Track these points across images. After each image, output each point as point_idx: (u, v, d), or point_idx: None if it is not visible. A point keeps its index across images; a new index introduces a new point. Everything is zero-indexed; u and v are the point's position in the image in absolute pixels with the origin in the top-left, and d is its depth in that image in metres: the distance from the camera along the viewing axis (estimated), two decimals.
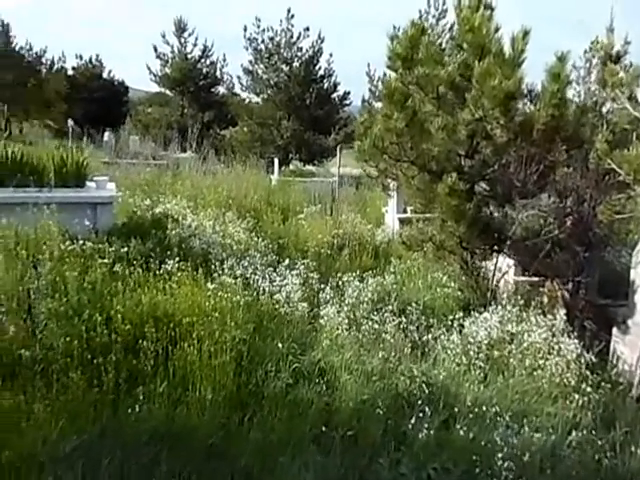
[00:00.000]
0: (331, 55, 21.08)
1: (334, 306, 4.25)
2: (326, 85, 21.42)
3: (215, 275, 4.40)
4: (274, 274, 4.73)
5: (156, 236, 5.09)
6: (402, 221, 7.81)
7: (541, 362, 3.53)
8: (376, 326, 4.00)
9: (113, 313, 3.41)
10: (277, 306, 4.19)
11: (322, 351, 3.68)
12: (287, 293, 4.38)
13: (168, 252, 4.75)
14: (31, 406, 2.75)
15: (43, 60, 26.50)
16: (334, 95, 21.89)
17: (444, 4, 16.94)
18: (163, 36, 23.35)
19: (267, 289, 4.43)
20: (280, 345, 3.55)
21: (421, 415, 2.82)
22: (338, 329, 3.92)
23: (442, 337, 3.95)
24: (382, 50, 5.14)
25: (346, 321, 4.03)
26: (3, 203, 4.60)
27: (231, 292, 3.98)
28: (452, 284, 4.96)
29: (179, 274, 4.15)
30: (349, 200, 9.51)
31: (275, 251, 5.78)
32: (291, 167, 15.77)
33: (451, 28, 15.69)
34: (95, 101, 25.84)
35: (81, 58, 27.89)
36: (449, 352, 3.69)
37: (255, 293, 4.30)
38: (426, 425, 2.70)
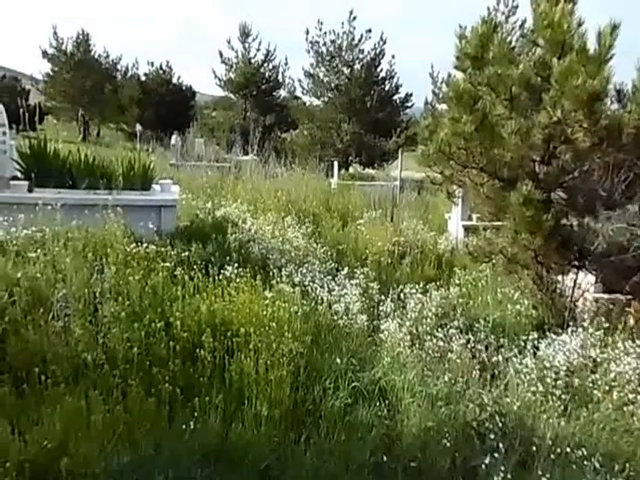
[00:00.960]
0: (393, 57, 20.82)
1: (395, 320, 4.04)
2: (387, 87, 21.11)
3: (273, 282, 4.32)
4: (333, 283, 4.59)
5: (216, 240, 5.11)
6: (467, 229, 7.42)
7: (631, 396, 3.13)
8: (441, 344, 3.74)
9: (172, 319, 3.41)
10: (336, 317, 4.04)
11: (382, 369, 3.48)
12: (346, 304, 4.22)
13: (227, 257, 4.76)
14: (91, 412, 2.76)
15: (118, 67, 28.13)
16: (395, 97, 21.53)
17: (514, 0, 16.14)
18: (228, 41, 24.07)
19: (326, 299, 4.29)
20: (338, 360, 3.39)
21: (494, 452, 2.55)
22: (400, 345, 3.70)
23: (514, 359, 3.62)
24: (448, 50, 4.87)
25: (408, 337, 3.80)
26: (75, 205, 4.77)
27: (289, 301, 3.89)
28: (524, 301, 4.58)
29: (238, 280, 4.12)
30: (410, 205, 9.20)
31: (334, 258, 5.64)
32: (351, 170, 15.63)
33: (522, 25, 14.91)
34: (165, 105, 27.05)
35: (152, 65, 29.33)
36: (522, 377, 3.36)
37: (313, 303, 4.17)
38: (502, 467, 2.42)
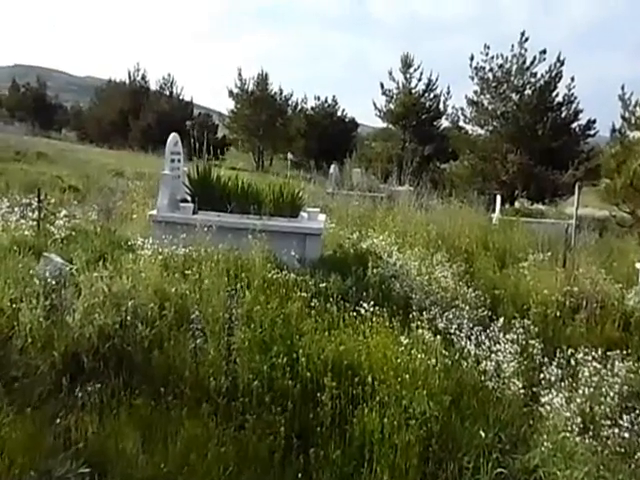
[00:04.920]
0: (572, 79, 18.62)
1: (562, 392, 3.24)
2: (564, 113, 18.97)
3: (413, 325, 3.88)
4: (483, 334, 3.94)
5: (356, 273, 4.87)
6: None
7: None
8: (626, 435, 2.86)
9: (299, 354, 3.22)
10: (484, 377, 3.41)
11: (540, 455, 2.76)
12: (498, 362, 3.55)
13: (366, 292, 4.47)
14: (208, 440, 2.68)
15: (289, 102, 30.79)
16: (574, 124, 19.21)
17: None
18: (390, 73, 24.47)
19: (473, 353, 3.68)
20: (482, 433, 2.80)
21: None
22: (566, 428, 2.92)
23: None
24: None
25: (579, 418, 2.99)
26: (228, 227, 5.01)
27: (428, 351, 3.41)
28: None
29: (374, 319, 3.78)
30: (589, 249, 7.80)
31: (487, 305, 4.93)
32: (516, 205, 14.24)
33: None
34: (327, 136, 28.62)
35: (318, 99, 31.45)
36: None
37: (457, 356, 3.61)
38: None
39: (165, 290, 4.02)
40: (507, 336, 3.88)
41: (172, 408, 2.90)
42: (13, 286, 4.06)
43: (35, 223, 5.74)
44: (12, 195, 7.18)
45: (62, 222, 5.78)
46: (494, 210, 12.97)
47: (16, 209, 6.17)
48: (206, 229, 4.70)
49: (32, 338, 3.54)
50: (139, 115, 30.96)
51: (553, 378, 3.44)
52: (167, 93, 33.70)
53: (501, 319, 4.24)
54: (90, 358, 3.36)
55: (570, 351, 3.75)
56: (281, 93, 30.17)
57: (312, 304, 4.00)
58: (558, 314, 4.94)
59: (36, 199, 6.13)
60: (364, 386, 2.97)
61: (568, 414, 3.01)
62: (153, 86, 34.48)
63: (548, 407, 3.12)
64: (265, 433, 2.69)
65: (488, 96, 18.90)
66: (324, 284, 4.37)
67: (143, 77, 34.71)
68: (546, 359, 3.75)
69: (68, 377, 3.17)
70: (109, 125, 32.48)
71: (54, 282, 4.06)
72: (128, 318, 3.53)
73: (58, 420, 2.85)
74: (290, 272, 4.54)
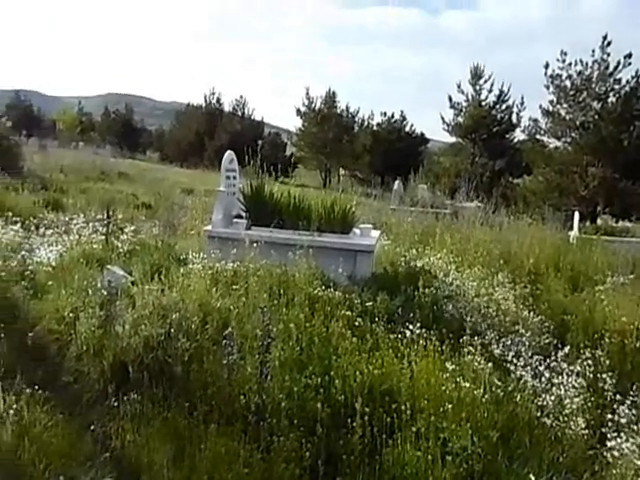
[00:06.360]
0: None
1: (633, 437, 2.83)
2: None
3: (464, 351, 3.61)
4: (544, 364, 3.57)
5: (406, 292, 4.65)
6: None
7: None
8: None
9: (335, 376, 3.08)
10: (540, 413, 3.07)
11: None
12: (559, 396, 3.19)
13: (416, 313, 4.24)
14: (236, 459, 2.62)
15: (356, 119, 30.98)
16: None
17: None
18: (458, 85, 23.82)
19: (530, 384, 3.34)
20: (533, 478, 2.49)
21: None
22: (636, 479, 2.53)
23: None
24: None
25: None
26: (278, 243, 5.02)
27: (477, 380, 3.13)
28: None
29: (421, 342, 3.57)
30: None
31: (552, 331, 4.49)
32: (599, 222, 13.13)
33: None
34: (394, 152, 28.35)
35: (385, 114, 31.31)
36: None
37: (511, 387, 3.29)
38: None
39: (210, 304, 4.07)
40: (572, 367, 3.49)
41: (203, 423, 2.88)
42: (76, 296, 4.32)
43: (104, 237, 6.11)
44: (90, 211, 7.74)
45: (127, 236, 6.11)
46: (571, 228, 12.04)
47: (90, 224, 6.64)
48: (255, 244, 4.73)
49: (86, 346, 3.71)
50: (214, 136, 32.61)
51: (624, 419, 3.02)
52: (239, 114, 35.26)
53: (567, 347, 3.83)
54: (135, 368, 3.45)
55: None
56: (348, 110, 30.49)
57: (356, 323, 3.87)
58: (638, 346, 4.38)
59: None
60: (401, 414, 2.77)
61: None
62: (227, 107, 36.30)
63: (616, 453, 2.73)
64: (292, 457, 2.58)
65: (565, 105, 17.72)
66: (370, 303, 4.21)
67: (218, 100, 36.69)
68: (618, 396, 3.32)
69: (114, 385, 3.29)
70: (187, 146, 34.53)
71: (112, 293, 4.27)
72: (172, 330, 3.60)
73: (100, 426, 2.95)
74: (337, 289, 4.43)
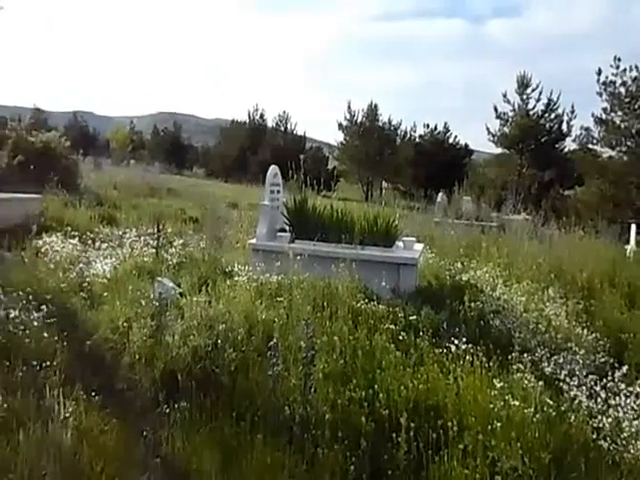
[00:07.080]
0: None
1: None
2: None
3: (513, 368, 3.51)
4: (599, 384, 3.40)
5: (452, 306, 4.57)
6: None
7: None
8: None
9: (379, 390, 3.07)
10: (596, 435, 2.92)
11: None
12: (617, 419, 3.03)
13: (461, 327, 4.16)
14: (281, 471, 2.65)
15: (398, 132, 30.85)
16: None
17: None
18: (504, 95, 23.30)
19: (585, 405, 3.19)
20: None
21: None
22: None
23: None
24: None
25: None
26: (322, 256, 5.07)
27: (528, 399, 3.03)
28: None
29: (467, 358, 3.49)
30: None
31: (609, 350, 4.28)
32: None
33: None
34: (436, 164, 27.98)
35: (428, 127, 31.03)
36: None
37: (564, 407, 3.15)
38: None
39: (255, 316, 4.15)
40: (631, 387, 3.31)
41: (250, 433, 2.93)
42: (129, 306, 4.52)
43: (154, 250, 6.36)
44: (141, 226, 8.09)
45: (175, 250, 6.34)
46: (628, 241, 11.44)
47: (141, 238, 6.94)
48: (298, 257, 4.79)
49: (138, 355, 3.87)
50: (257, 151, 33.37)
51: None
52: (282, 129, 35.93)
53: (625, 367, 3.64)
54: (184, 377, 3.56)
55: None
56: (390, 123, 30.44)
57: (400, 337, 3.84)
58: None
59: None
60: (447, 431, 2.72)
61: None
62: (270, 123, 37.08)
63: None
64: (336, 470, 2.58)
65: (620, 113, 16.98)
66: (414, 317, 4.17)
67: (261, 115, 37.57)
68: None
69: (164, 393, 3.41)
70: (231, 161, 35.49)
71: (162, 304, 4.44)
72: (219, 341, 3.69)
73: (151, 433, 3.05)
74: (380, 303, 4.42)
